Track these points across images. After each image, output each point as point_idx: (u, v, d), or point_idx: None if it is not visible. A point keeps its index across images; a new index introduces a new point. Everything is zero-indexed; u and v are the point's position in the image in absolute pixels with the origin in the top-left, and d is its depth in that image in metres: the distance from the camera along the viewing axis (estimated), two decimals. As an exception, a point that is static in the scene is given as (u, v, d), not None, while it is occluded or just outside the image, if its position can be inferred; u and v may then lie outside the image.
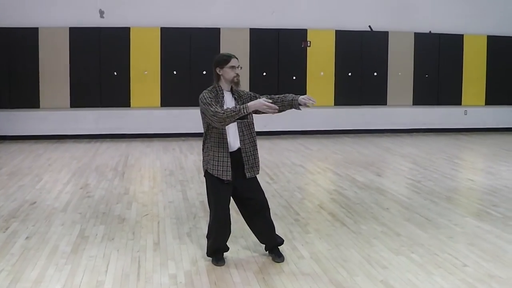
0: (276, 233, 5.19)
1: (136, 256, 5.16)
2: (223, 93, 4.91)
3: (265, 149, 11.40)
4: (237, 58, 4.96)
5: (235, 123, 4.82)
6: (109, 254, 5.18)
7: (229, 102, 4.90)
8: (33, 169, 9.32)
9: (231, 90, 4.96)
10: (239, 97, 4.95)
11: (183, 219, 6.40)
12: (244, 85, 13.48)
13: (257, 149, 5.02)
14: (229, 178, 4.83)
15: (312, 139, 12.98)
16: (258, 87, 13.40)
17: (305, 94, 13.23)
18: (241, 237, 5.67)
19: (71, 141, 12.45)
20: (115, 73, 12.80)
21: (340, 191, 7.85)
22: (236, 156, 4.88)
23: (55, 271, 4.74)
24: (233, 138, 4.88)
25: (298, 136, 13.31)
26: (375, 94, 14.04)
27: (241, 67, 5.02)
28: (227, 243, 5.10)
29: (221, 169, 4.82)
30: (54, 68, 12.53)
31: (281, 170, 9.27)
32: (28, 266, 4.86)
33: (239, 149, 4.89)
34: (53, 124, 12.78)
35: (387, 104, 14.13)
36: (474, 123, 14.63)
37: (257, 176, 5.04)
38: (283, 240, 5.19)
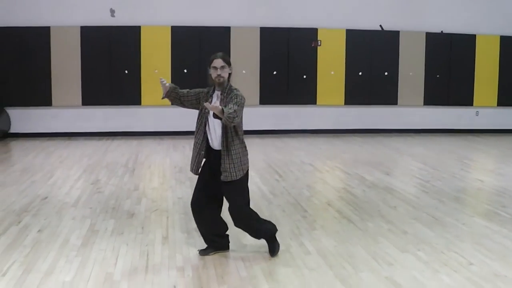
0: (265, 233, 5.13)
1: (144, 249, 5.23)
2: (213, 92, 4.94)
3: (274, 148, 11.46)
4: (223, 58, 4.82)
5: (214, 121, 4.75)
6: (118, 248, 5.26)
7: (214, 101, 4.87)
8: (45, 166, 9.43)
9: (222, 90, 4.88)
10: (225, 97, 4.83)
11: (191, 214, 6.43)
12: (254, 84, 13.52)
13: (232, 154, 4.79)
14: (193, 172, 4.99)
15: (322, 138, 13.01)
16: (268, 86, 13.47)
17: (316, 93, 13.45)
18: (249, 233, 5.72)
19: (82, 139, 12.57)
20: (126, 72, 12.88)
21: (348, 189, 7.87)
22: (218, 155, 4.85)
23: (66, 263, 4.83)
24: (214, 136, 4.86)
25: (308, 135, 13.34)
26: (385, 94, 14.00)
27: (225, 66, 4.81)
28: (213, 239, 5.14)
29: (191, 161, 5.03)
30: (66, 66, 12.63)
31: (290, 169, 9.31)
32: (40, 257, 4.95)
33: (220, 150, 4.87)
34: (65, 122, 12.94)
35: (398, 104, 14.10)
36: (485, 124, 14.58)
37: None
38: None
